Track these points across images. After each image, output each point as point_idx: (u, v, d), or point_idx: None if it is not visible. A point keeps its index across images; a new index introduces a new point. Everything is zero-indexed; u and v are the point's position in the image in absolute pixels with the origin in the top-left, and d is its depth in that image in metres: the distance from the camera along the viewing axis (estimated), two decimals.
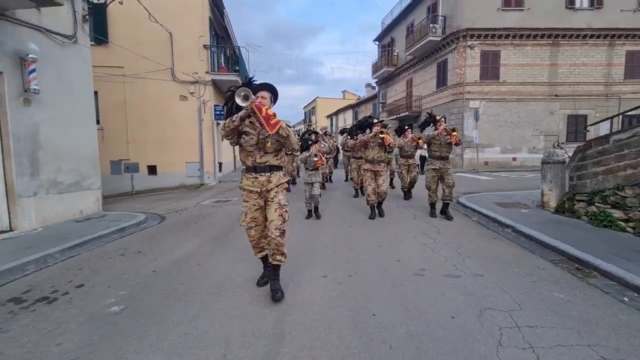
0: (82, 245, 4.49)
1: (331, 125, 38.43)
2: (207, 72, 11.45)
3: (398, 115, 20.03)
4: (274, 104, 2.83)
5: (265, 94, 2.71)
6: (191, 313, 2.57)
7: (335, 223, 5.48)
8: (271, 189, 2.71)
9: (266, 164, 2.70)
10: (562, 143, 7.60)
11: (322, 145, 7.31)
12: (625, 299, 2.80)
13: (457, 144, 5.29)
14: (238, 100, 2.41)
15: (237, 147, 2.87)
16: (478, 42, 15.06)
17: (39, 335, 2.32)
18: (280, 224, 2.68)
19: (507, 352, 2.04)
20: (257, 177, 2.70)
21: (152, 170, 11.36)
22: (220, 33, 13.66)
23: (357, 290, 2.93)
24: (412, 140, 6.97)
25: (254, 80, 2.86)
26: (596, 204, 4.78)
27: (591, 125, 5.73)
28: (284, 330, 2.31)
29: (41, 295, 3.00)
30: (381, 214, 5.71)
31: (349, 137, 8.41)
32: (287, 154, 7.59)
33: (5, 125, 4.83)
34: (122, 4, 6.60)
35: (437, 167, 5.46)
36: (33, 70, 4.99)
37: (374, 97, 26.66)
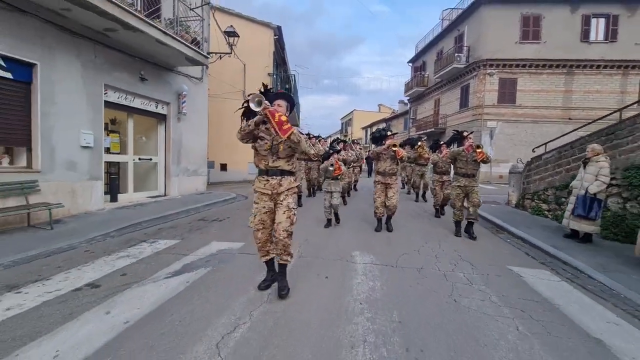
0: (211, 205, 7.72)
1: (366, 136, 41.10)
2: None
3: (425, 131, 22.36)
4: (290, 112, 2.94)
5: (281, 102, 2.81)
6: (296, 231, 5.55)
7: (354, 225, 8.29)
8: (281, 192, 2.79)
9: (278, 168, 2.78)
10: None
11: (350, 154, 7.83)
12: (508, 240, 5.37)
13: (484, 162, 5.02)
14: (252, 105, 2.48)
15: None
16: (497, 70, 17.20)
17: (225, 230, 5.41)
18: (288, 226, 2.79)
19: (428, 245, 4.78)
20: (269, 180, 2.78)
21: (223, 167, 14.88)
22: (279, 62, 17.11)
23: (364, 238, 5.77)
24: (446, 157, 6.47)
25: (271, 90, 3.00)
26: (535, 200, 7.19)
27: (537, 147, 7.95)
28: (333, 235, 5.20)
29: (212, 219, 6.17)
30: (389, 229, 5.44)
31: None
32: (313, 160, 8.77)
33: (169, 133, 8.26)
34: (230, 56, 9.96)
35: (462, 185, 5.26)
36: (184, 101, 8.41)
37: (406, 112, 29.09)
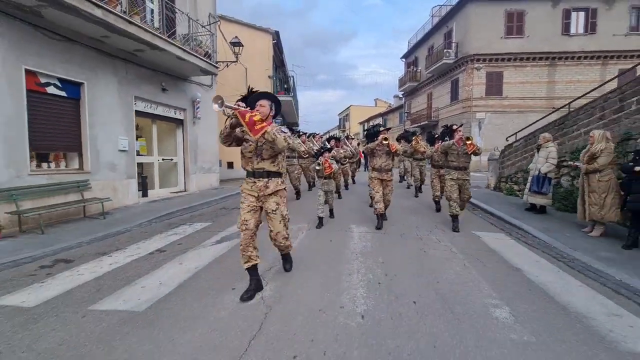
0: (227, 197, 8.82)
1: (363, 131, 42.10)
2: None
3: (419, 124, 23.41)
4: (276, 112, 2.92)
5: (264, 102, 2.79)
6: (304, 213, 6.64)
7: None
8: (269, 194, 2.80)
9: (264, 169, 2.78)
10: None
11: (345, 150, 8.00)
12: (480, 215, 6.48)
13: (475, 154, 5.06)
14: (214, 107, 2.47)
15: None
16: (484, 64, 18.21)
17: None
18: (285, 233, 2.99)
19: (412, 218, 5.89)
20: (255, 182, 2.80)
21: (230, 165, 15.95)
22: (278, 64, 18.12)
23: (360, 217, 6.87)
24: (438, 150, 6.48)
25: (254, 90, 2.95)
26: (508, 183, 8.30)
27: (510, 136, 9.03)
28: (335, 217, 6.30)
29: (232, 207, 7.27)
30: (384, 218, 5.45)
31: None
32: (304, 157, 8.43)
33: (186, 136, 9.34)
34: (236, 64, 10.98)
35: (454, 178, 5.22)
36: (198, 107, 9.47)
37: (401, 107, 30.09)
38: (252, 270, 2.86)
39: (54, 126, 5.85)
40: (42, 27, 5.44)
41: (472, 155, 5.13)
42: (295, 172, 8.21)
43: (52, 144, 5.90)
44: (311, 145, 8.85)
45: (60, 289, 2.97)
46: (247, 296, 2.75)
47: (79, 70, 6.13)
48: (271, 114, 2.87)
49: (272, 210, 2.84)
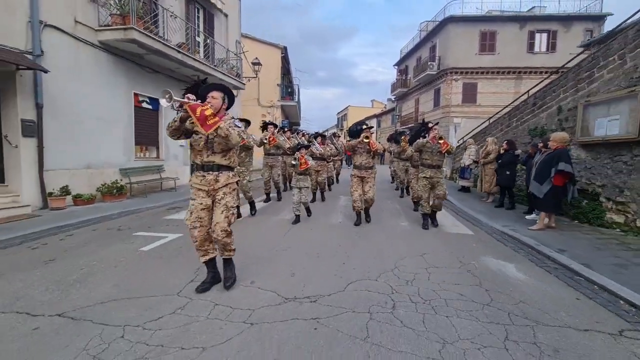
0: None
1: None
2: (277, 100, 18.82)
3: (407, 126, 26.43)
4: (227, 104, 2.85)
5: (216, 94, 2.74)
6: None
7: None
8: (219, 188, 2.75)
9: (214, 163, 2.72)
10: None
11: (328, 149, 8.16)
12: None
13: (448, 152, 5.25)
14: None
15: None
16: (461, 76, 21.24)
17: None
18: (226, 226, 2.74)
19: (382, 198, 8.96)
20: (205, 176, 2.73)
21: None
22: (284, 73, 21.07)
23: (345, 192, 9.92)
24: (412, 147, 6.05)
25: (206, 80, 2.93)
26: (456, 173, 11.35)
27: (459, 139, 12.02)
28: (329, 195, 9.32)
29: (257, 187, 10.27)
30: (367, 220, 5.61)
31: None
32: (287, 154, 7.71)
33: None
34: (256, 78, 13.86)
35: (427, 176, 5.35)
36: (227, 113, 12.44)
37: (393, 109, 33.12)
38: (210, 263, 2.92)
39: (145, 128, 8.83)
40: (141, 64, 8.39)
41: (445, 154, 5.30)
42: (280, 168, 8.14)
43: (144, 140, 8.89)
44: (295, 142, 8.70)
45: None
46: (202, 288, 2.82)
47: (159, 90, 9.03)
48: (224, 106, 2.83)
49: (218, 200, 2.77)
